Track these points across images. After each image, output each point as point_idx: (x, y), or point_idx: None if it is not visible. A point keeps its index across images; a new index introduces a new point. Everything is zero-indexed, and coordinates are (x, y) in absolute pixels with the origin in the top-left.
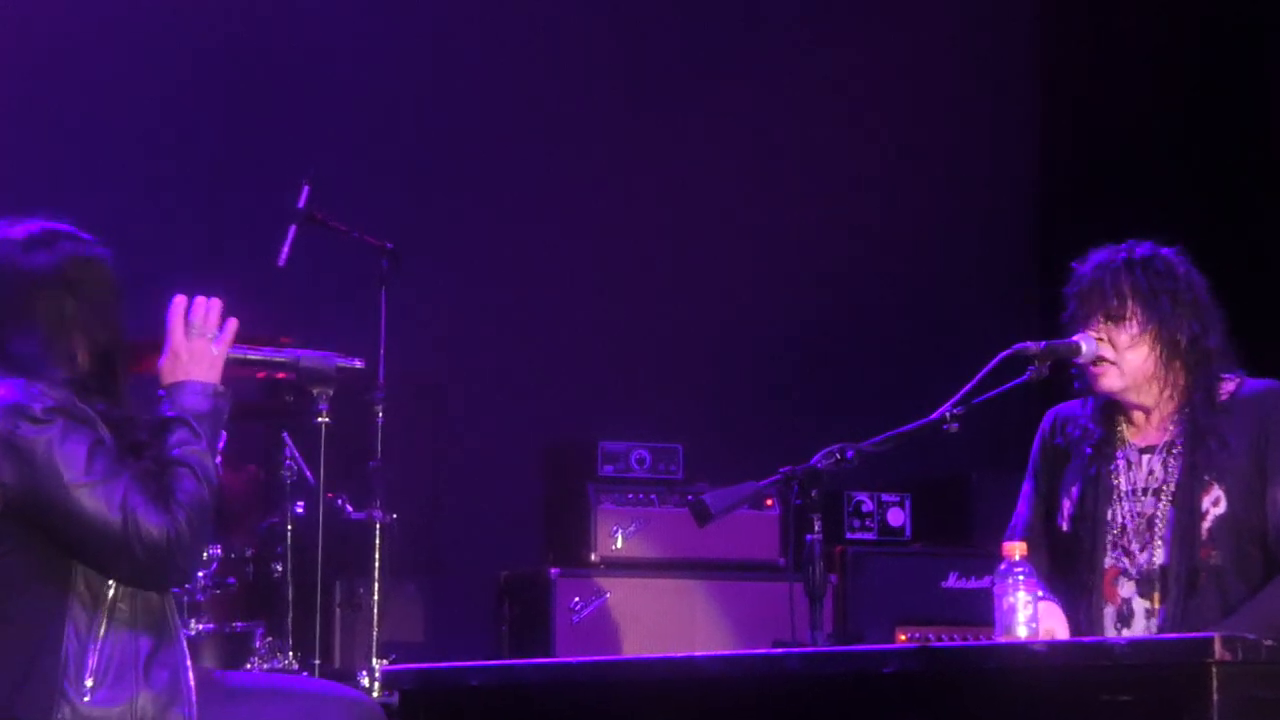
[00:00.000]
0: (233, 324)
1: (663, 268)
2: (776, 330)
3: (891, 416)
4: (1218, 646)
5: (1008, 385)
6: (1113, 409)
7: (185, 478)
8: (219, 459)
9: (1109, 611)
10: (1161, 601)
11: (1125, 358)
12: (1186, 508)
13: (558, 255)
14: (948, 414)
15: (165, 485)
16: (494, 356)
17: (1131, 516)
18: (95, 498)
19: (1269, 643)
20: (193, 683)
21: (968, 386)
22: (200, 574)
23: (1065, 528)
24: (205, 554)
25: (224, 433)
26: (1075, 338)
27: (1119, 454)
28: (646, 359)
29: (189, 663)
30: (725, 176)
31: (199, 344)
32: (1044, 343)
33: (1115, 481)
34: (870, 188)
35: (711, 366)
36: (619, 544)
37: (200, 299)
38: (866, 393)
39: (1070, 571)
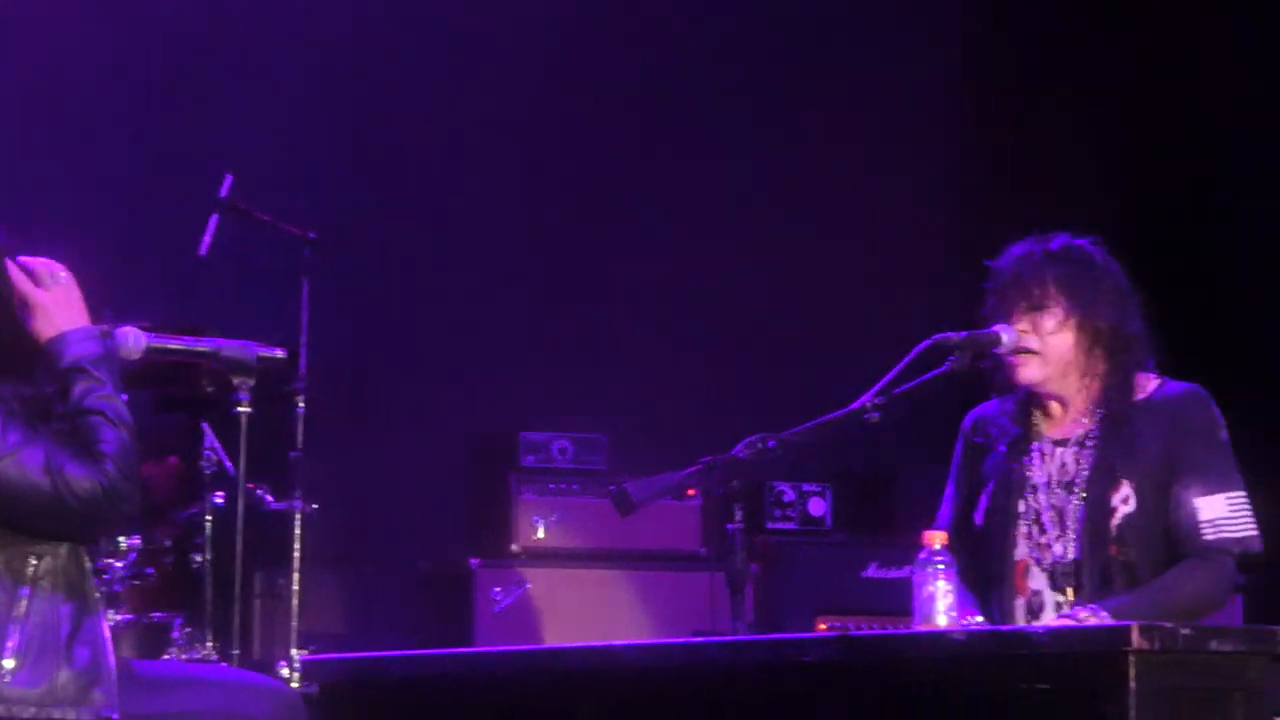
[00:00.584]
0: (63, 267)
1: (585, 257)
2: (700, 320)
3: (815, 407)
4: (1135, 635)
5: (928, 375)
6: (1029, 404)
7: (101, 426)
8: (126, 397)
9: (1019, 603)
10: (1075, 596)
11: (1048, 345)
12: (1097, 503)
13: (480, 245)
14: (868, 404)
15: (84, 438)
16: (416, 347)
17: (1044, 509)
18: (19, 465)
19: (1186, 631)
20: (113, 661)
21: (888, 377)
22: (119, 564)
23: (979, 522)
24: (128, 540)
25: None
26: (995, 328)
27: (1034, 447)
28: (570, 349)
29: (109, 638)
30: (648, 161)
31: (58, 291)
32: (965, 333)
33: (1029, 474)
34: (795, 175)
35: (635, 357)
36: (540, 534)
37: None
38: (790, 383)
39: (984, 564)
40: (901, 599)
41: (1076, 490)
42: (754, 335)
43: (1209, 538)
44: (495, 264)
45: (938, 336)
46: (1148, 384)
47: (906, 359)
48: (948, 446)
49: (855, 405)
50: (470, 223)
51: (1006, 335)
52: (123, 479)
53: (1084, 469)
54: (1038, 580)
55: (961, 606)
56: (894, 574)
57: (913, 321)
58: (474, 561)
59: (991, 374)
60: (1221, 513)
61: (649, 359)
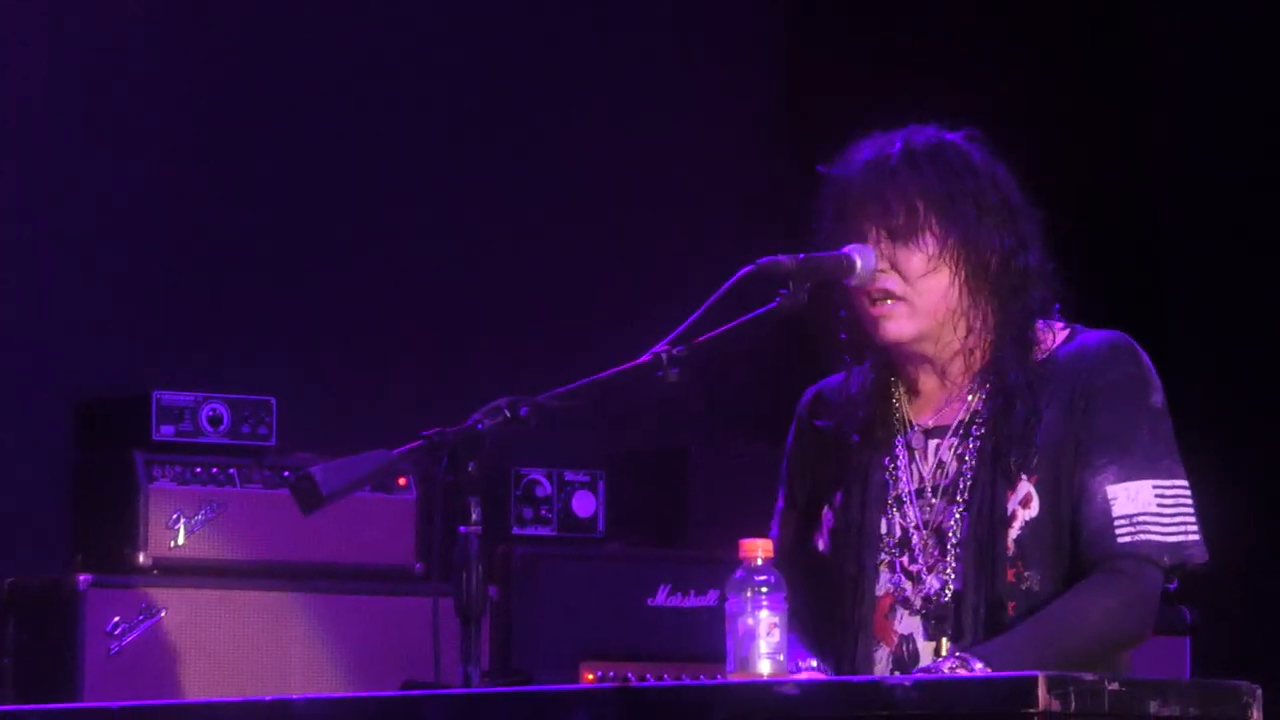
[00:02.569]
0: None
1: (249, 156)
2: (414, 235)
3: (584, 361)
4: (1042, 690)
5: (749, 316)
6: (889, 376)
7: None
8: None
9: (882, 654)
10: (954, 643)
11: (919, 291)
12: (985, 513)
13: (104, 144)
14: (664, 355)
15: None
16: (6, 274)
17: (915, 527)
18: None
19: (1115, 686)
20: None
21: (692, 318)
22: None
23: (823, 548)
24: None
25: None
26: (848, 249)
27: (898, 440)
28: (223, 280)
29: None
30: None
31: None
32: (802, 255)
33: (890, 478)
34: (568, 70)
35: (317, 288)
36: (180, 539)
37: None
38: (551, 328)
39: (832, 604)
40: (704, 637)
41: (960, 497)
42: (501, 261)
43: (1125, 540)
44: (123, 166)
45: (764, 260)
46: (1053, 336)
47: (718, 292)
48: (775, 421)
49: (645, 357)
50: (90, 120)
51: (862, 259)
52: None
53: (969, 467)
54: (907, 624)
55: (791, 651)
56: (693, 601)
57: (724, 250)
58: (83, 578)
59: (841, 332)
60: (1147, 507)
61: (341, 291)
